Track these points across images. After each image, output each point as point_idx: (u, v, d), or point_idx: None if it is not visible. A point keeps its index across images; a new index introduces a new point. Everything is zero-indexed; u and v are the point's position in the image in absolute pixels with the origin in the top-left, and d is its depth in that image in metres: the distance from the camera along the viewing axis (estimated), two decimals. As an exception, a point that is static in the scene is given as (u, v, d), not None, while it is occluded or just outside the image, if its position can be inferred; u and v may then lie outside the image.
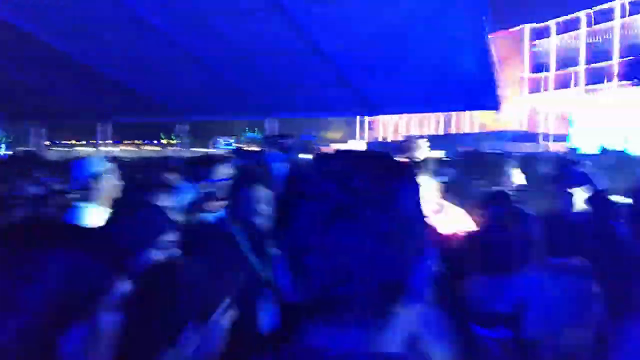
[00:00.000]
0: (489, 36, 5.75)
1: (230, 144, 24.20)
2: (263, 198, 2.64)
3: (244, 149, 8.66)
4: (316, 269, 0.76)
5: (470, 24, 5.04)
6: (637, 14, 27.50)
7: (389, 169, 0.84)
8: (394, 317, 0.79)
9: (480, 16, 4.89)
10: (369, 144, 21.49)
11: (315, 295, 0.77)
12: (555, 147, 17.52)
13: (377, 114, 9.38)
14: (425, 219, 0.86)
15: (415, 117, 39.48)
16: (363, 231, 0.76)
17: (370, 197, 0.78)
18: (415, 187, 0.85)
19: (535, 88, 33.87)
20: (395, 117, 39.53)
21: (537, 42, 33.98)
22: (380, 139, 35.96)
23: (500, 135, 12.00)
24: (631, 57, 26.36)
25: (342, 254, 0.76)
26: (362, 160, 0.85)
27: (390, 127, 41.62)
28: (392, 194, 0.80)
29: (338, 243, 0.76)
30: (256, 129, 33.81)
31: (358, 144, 19.36)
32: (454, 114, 35.18)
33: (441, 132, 37.34)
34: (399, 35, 5.80)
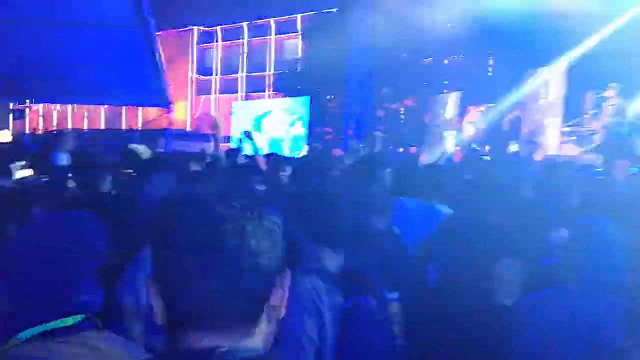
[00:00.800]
0: (158, 33, 5.68)
1: None
2: None
3: None
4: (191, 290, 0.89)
5: (134, 16, 4.80)
6: (285, 33, 31.90)
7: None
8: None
9: (146, 10, 4.70)
10: (16, 135, 17.94)
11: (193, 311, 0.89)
12: (224, 147, 18.76)
13: (26, 100, 8.13)
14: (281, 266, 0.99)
15: (83, 109, 36.42)
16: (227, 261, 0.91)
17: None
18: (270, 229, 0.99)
19: (203, 90, 35.56)
20: (62, 107, 35.70)
21: (205, 45, 35.74)
22: (28, 131, 31.49)
23: (165, 134, 11.99)
24: (281, 71, 30.32)
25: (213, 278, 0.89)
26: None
27: (54, 118, 37.25)
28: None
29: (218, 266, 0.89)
30: None
31: (2, 135, 16.01)
32: (122, 108, 33.99)
33: (110, 126, 35.52)
34: (51, 17, 5.11)
